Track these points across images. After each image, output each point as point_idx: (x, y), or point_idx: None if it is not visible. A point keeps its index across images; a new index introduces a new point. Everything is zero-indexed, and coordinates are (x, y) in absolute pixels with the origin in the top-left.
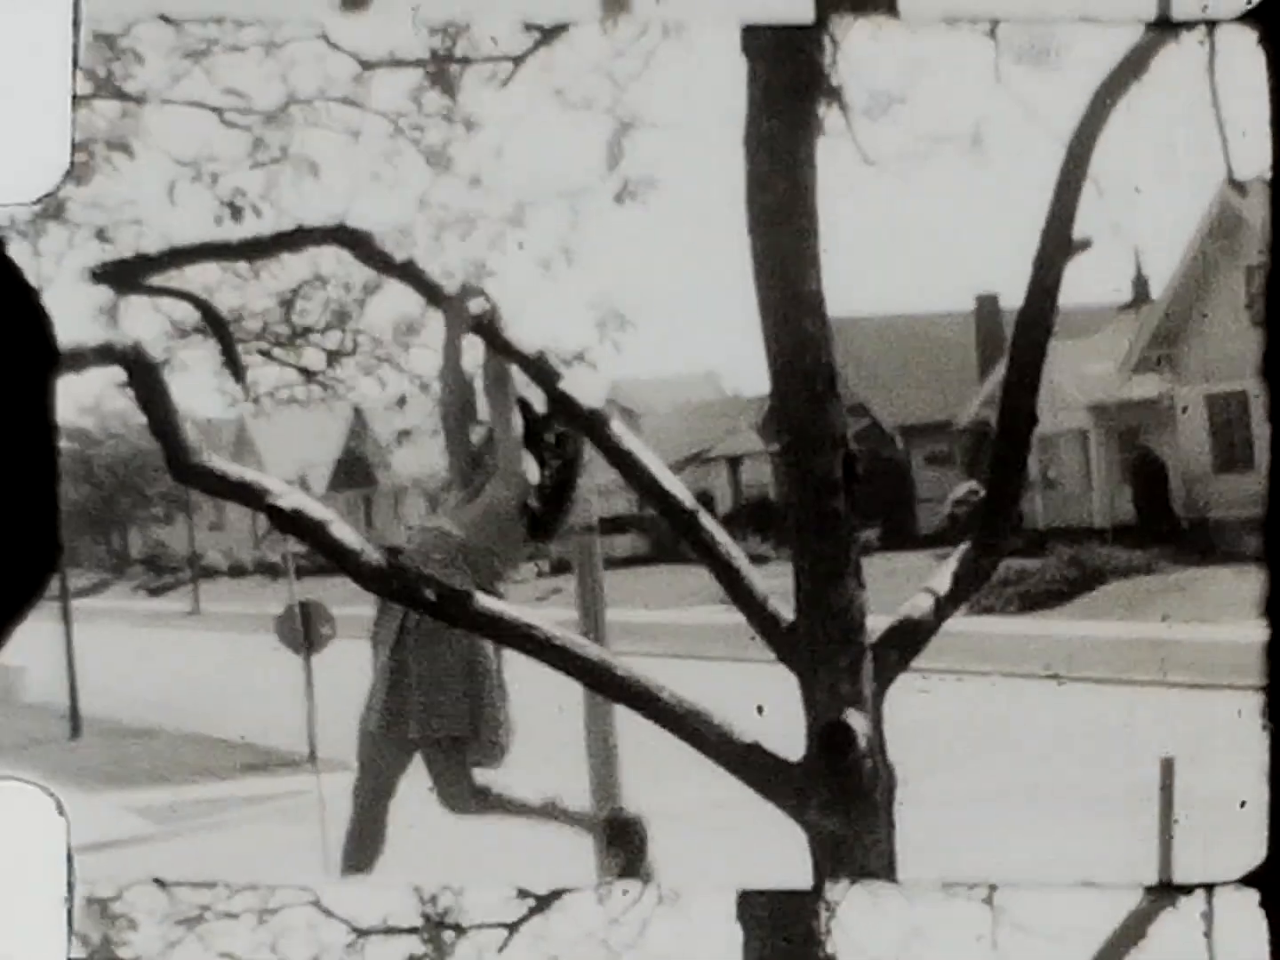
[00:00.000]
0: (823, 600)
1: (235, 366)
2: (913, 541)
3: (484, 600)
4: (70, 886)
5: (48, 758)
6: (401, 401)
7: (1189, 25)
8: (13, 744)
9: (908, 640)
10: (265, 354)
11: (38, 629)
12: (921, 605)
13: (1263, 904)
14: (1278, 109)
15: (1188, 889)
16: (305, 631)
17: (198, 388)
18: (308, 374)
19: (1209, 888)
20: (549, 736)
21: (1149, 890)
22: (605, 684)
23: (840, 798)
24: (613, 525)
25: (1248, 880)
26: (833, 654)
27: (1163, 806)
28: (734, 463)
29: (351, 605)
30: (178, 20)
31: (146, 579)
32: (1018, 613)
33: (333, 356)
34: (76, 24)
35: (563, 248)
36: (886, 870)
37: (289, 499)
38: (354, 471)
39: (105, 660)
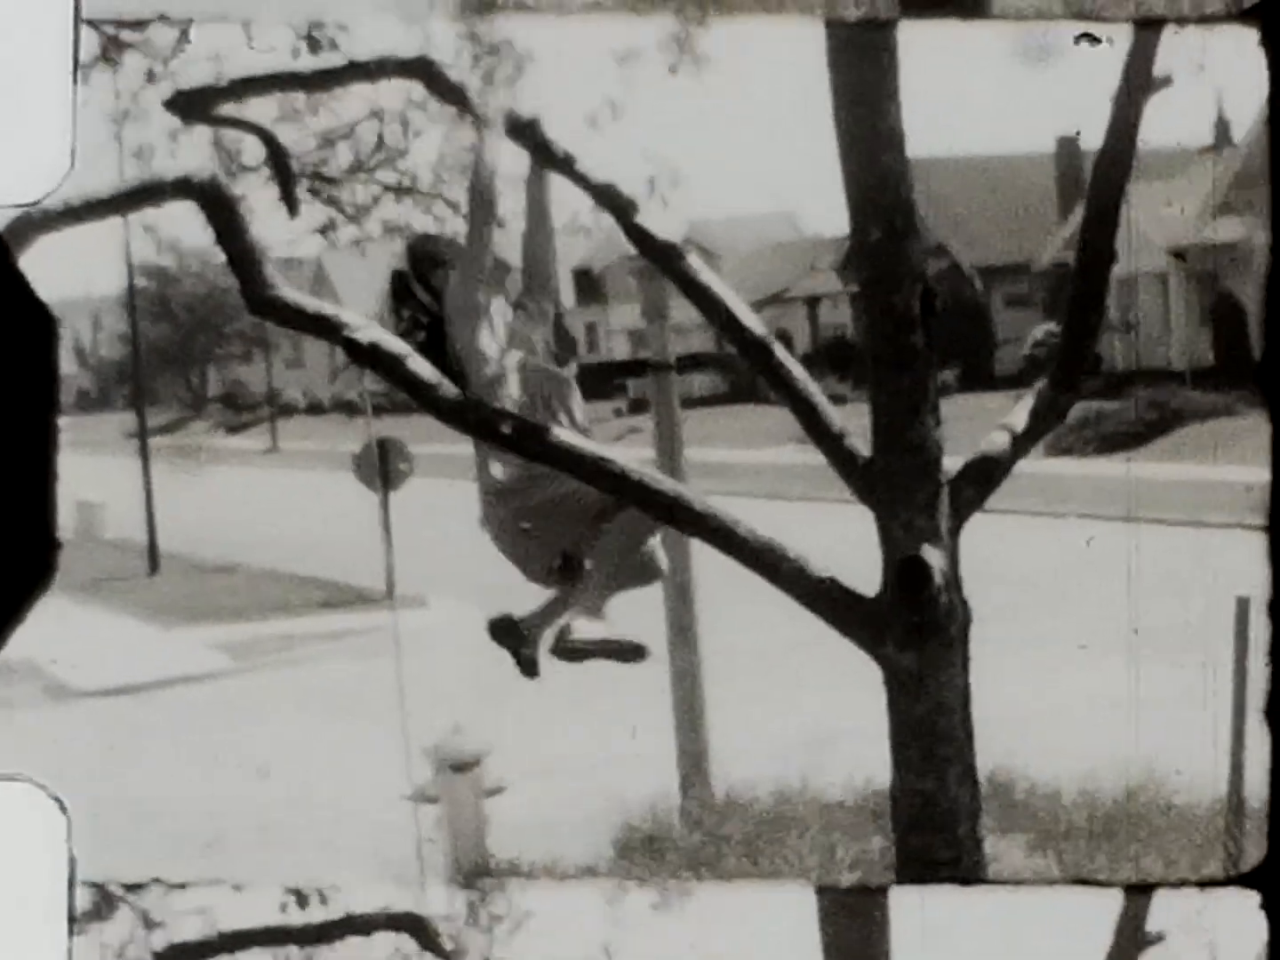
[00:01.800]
0: (900, 436)
1: (291, 201)
2: (991, 383)
3: (561, 434)
4: (71, 886)
5: (126, 593)
6: None
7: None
8: (91, 579)
9: (984, 477)
10: (317, 193)
11: (117, 466)
12: (998, 442)
13: (1263, 904)
14: (1277, 109)
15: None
16: (383, 469)
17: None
18: (362, 210)
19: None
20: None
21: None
22: (682, 518)
23: (915, 633)
24: (690, 364)
25: (1248, 880)
26: (909, 490)
27: (1238, 645)
28: (812, 303)
29: (429, 443)
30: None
31: (225, 417)
32: (1095, 454)
33: (393, 193)
34: (77, 25)
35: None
36: (961, 706)
37: (366, 333)
38: None
39: (183, 498)
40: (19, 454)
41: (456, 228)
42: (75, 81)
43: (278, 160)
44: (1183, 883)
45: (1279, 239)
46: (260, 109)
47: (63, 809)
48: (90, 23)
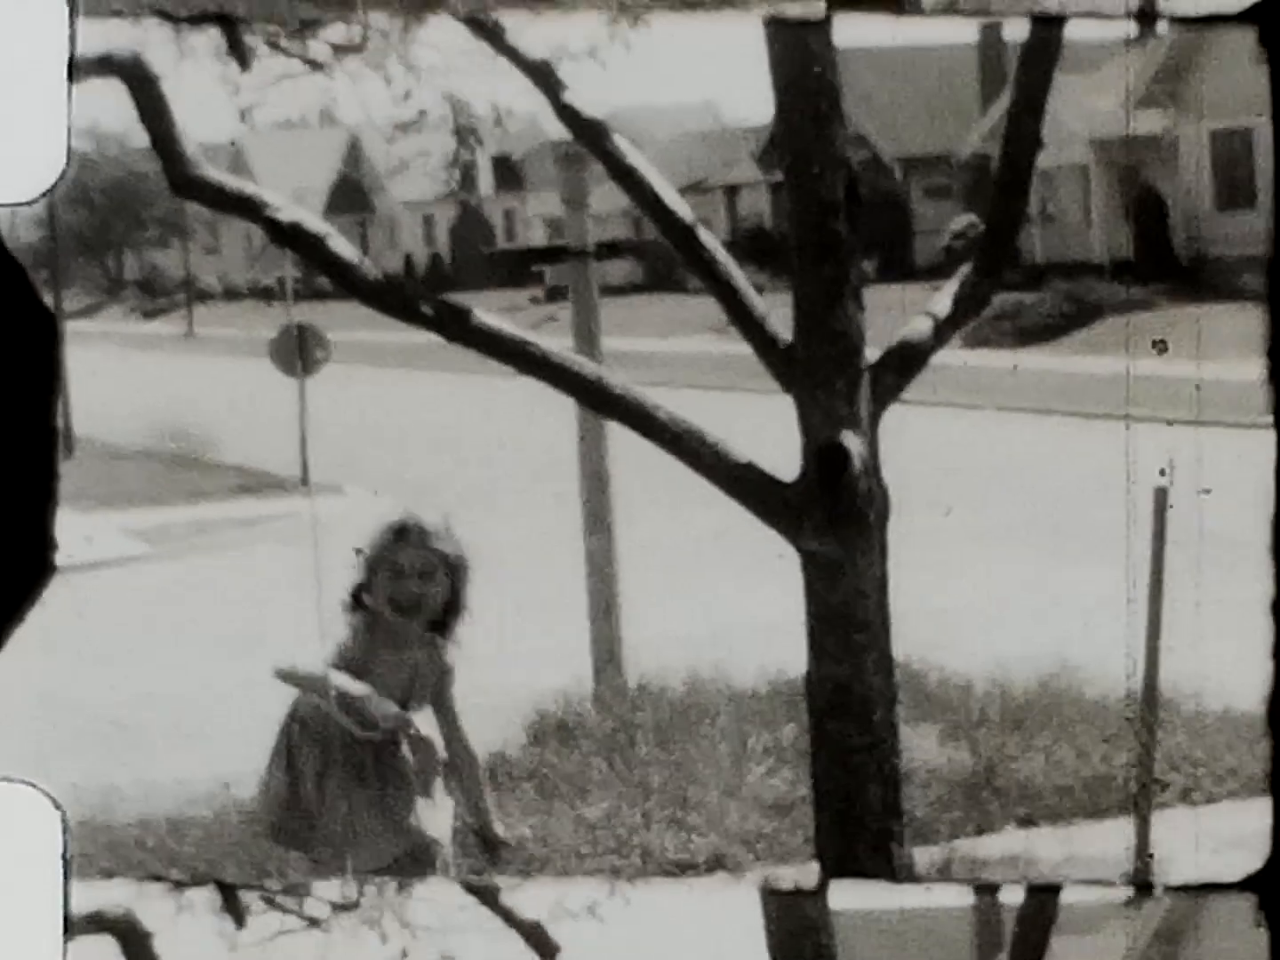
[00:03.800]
0: (821, 323)
1: (241, 52)
2: (910, 274)
3: (482, 316)
4: (66, 885)
5: None
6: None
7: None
8: None
9: (905, 363)
10: (273, 44)
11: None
12: (920, 328)
13: (1262, 906)
14: (1278, 108)
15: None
16: (300, 355)
17: (196, 109)
18: (314, 65)
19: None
20: (540, 466)
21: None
22: (601, 401)
23: (834, 519)
24: (609, 251)
25: (1247, 883)
26: (830, 376)
27: (1155, 536)
28: (731, 192)
29: (346, 330)
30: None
31: (140, 302)
32: (1014, 347)
33: (339, 50)
34: (73, 22)
35: None
36: (878, 593)
37: (287, 212)
38: (350, 197)
39: (98, 383)
40: (18, 453)
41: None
42: (70, 79)
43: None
44: (1183, 887)
45: None
46: None
47: (59, 810)
48: None
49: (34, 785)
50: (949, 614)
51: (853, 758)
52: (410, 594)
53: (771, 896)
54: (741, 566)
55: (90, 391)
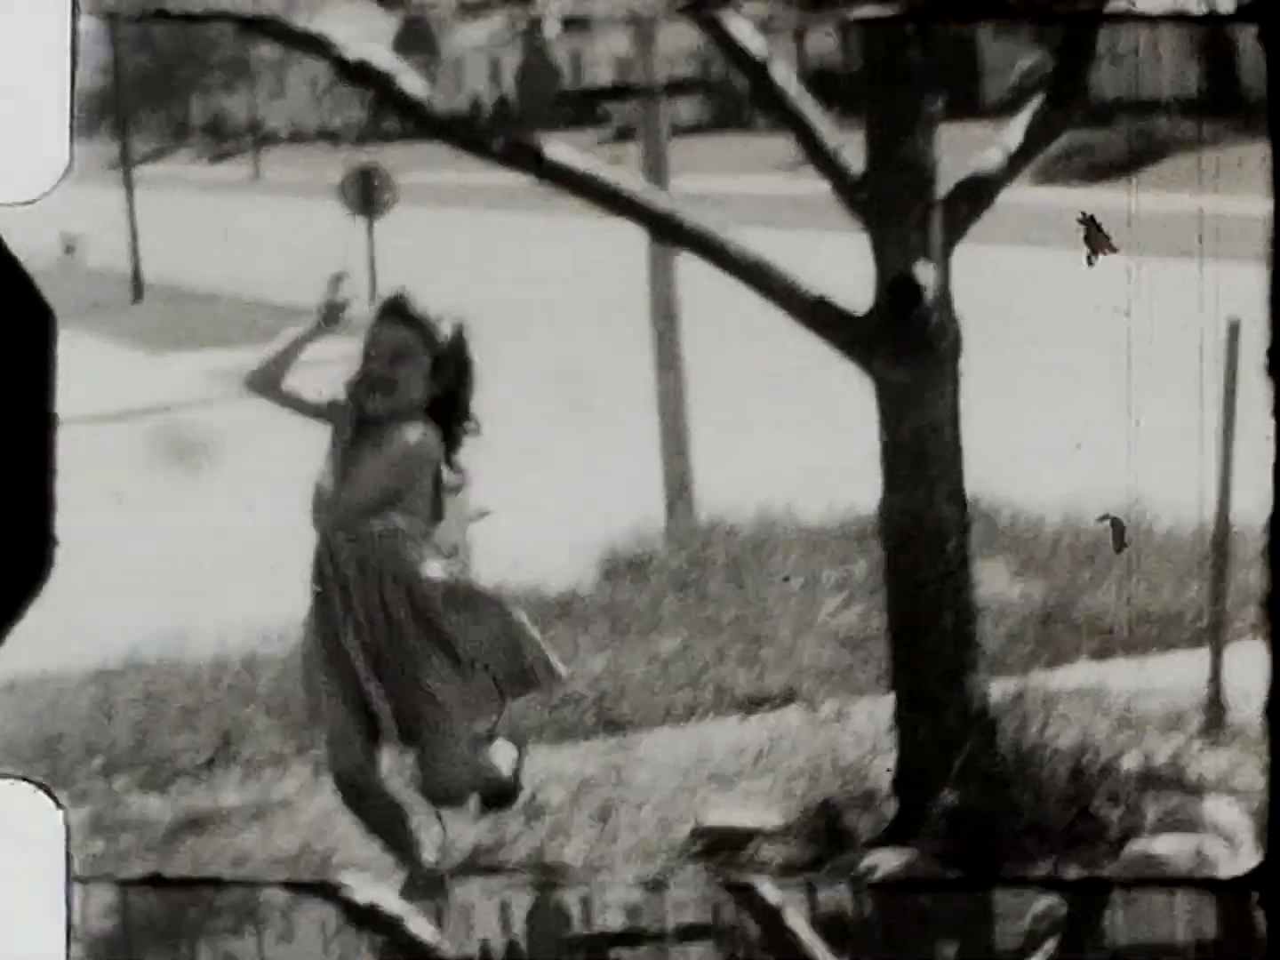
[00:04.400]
0: (894, 154)
1: None
2: (978, 113)
3: (555, 149)
4: (68, 884)
5: (110, 321)
6: None
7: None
8: (75, 308)
9: (977, 195)
10: None
11: (99, 196)
12: (992, 159)
13: (1262, 904)
14: (1277, 107)
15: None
16: (368, 196)
17: None
18: None
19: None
20: (610, 304)
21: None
22: (673, 233)
23: (906, 350)
24: (677, 90)
25: (1247, 881)
26: (902, 208)
27: (1227, 370)
28: (799, 34)
29: (414, 172)
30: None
31: (207, 146)
32: (1085, 184)
33: None
34: (75, 20)
35: None
36: (951, 425)
37: (355, 50)
38: (416, 39)
39: (166, 227)
40: (17, 452)
41: None
42: (74, 78)
43: None
44: (1179, 883)
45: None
46: None
47: (60, 808)
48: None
49: (35, 782)
50: (1020, 450)
51: (926, 588)
52: (379, 375)
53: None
54: (812, 403)
55: (158, 235)
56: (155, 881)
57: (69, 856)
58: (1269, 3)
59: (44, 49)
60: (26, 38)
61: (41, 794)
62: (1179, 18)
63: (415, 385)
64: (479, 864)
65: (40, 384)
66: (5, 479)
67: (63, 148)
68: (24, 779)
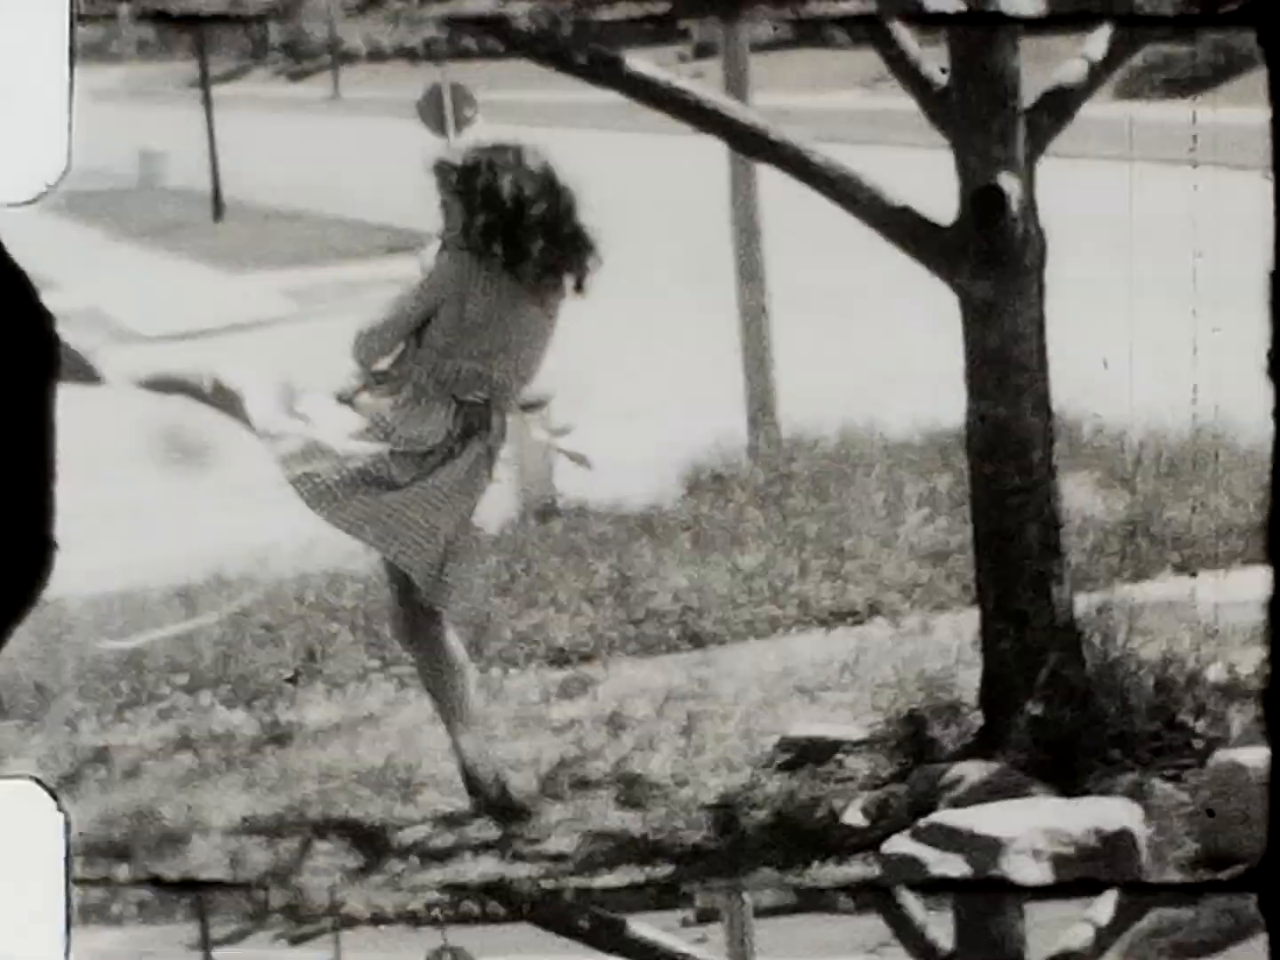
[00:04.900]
0: (977, 65)
1: None
2: (1057, 26)
3: (637, 65)
4: (68, 885)
5: (191, 240)
6: None
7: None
8: (156, 228)
9: (1060, 106)
10: None
11: (178, 115)
12: (1074, 71)
13: (1262, 904)
14: (1277, 107)
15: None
16: (448, 113)
17: None
18: None
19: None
20: (692, 218)
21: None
22: (755, 145)
23: (992, 260)
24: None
25: (1247, 881)
26: (986, 118)
27: None
28: None
29: (493, 89)
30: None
31: (286, 65)
32: (1162, 98)
33: None
34: (73, 19)
35: None
36: (1035, 336)
37: None
38: None
39: (245, 146)
40: (17, 452)
41: None
42: (71, 78)
43: None
44: (1180, 885)
45: None
46: None
47: (60, 808)
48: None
49: (35, 781)
50: (1103, 363)
51: (1011, 499)
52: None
53: None
54: (895, 316)
55: (238, 155)
56: (156, 883)
57: (69, 856)
58: (1269, 3)
59: (44, 49)
60: (26, 38)
61: (42, 794)
62: (1179, 18)
63: (537, 212)
64: (562, 778)
65: (40, 387)
66: (5, 480)
67: (63, 148)
68: (28, 778)
